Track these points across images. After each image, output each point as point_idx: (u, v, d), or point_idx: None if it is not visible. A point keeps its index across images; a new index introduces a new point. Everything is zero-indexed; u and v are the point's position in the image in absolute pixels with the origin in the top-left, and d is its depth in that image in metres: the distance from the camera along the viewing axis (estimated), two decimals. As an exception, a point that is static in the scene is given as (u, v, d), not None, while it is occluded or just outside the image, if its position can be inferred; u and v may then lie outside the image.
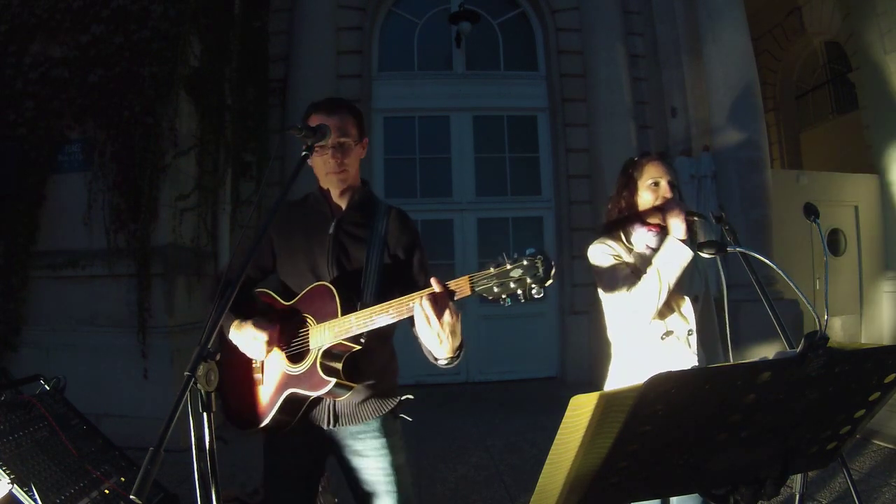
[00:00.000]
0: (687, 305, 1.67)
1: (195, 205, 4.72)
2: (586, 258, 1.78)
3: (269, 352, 1.42)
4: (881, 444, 3.54)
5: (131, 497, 0.86)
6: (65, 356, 4.13)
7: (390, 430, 1.52)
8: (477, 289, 1.16)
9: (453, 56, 6.41)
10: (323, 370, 1.35)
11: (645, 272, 1.62)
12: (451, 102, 6.30)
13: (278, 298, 1.51)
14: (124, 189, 4.29)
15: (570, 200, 6.11)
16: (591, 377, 5.45)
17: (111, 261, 4.28)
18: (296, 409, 1.44)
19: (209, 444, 1.03)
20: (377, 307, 1.32)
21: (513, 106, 6.42)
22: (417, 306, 1.22)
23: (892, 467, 3.21)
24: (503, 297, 1.13)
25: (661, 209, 1.68)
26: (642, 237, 1.71)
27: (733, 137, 5.53)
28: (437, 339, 1.23)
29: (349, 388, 1.39)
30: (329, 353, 1.37)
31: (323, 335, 1.37)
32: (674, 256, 1.58)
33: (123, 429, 2.91)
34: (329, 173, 1.49)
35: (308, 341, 1.40)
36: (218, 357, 1.04)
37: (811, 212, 1.47)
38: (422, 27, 6.43)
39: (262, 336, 1.39)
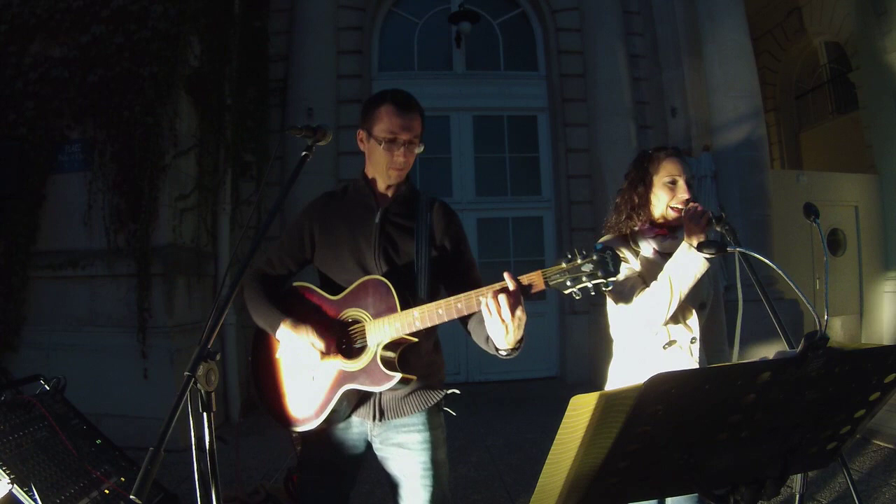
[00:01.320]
0: (693, 316, 1.61)
1: (195, 205, 4.72)
2: None
3: (321, 359, 1.39)
4: (881, 444, 3.54)
5: (131, 497, 0.86)
6: (65, 356, 4.12)
7: (434, 423, 1.51)
8: (551, 283, 1.20)
9: (453, 56, 6.41)
10: (385, 365, 1.35)
11: (653, 278, 1.55)
12: (452, 102, 6.30)
13: (323, 293, 1.48)
14: (124, 189, 4.29)
15: (570, 200, 6.11)
16: (591, 377, 5.46)
17: (111, 261, 4.28)
18: (348, 405, 1.44)
19: (209, 444, 1.03)
20: (443, 302, 1.30)
21: (513, 106, 6.42)
22: (491, 301, 1.21)
23: (892, 467, 3.21)
24: (575, 290, 1.18)
25: (685, 216, 1.57)
26: (650, 241, 1.65)
27: (733, 137, 5.52)
28: (506, 331, 1.23)
29: (408, 382, 1.38)
30: (387, 348, 1.37)
31: (382, 330, 1.36)
32: (689, 265, 1.50)
33: (123, 429, 2.92)
34: (392, 168, 1.49)
35: (364, 337, 1.39)
36: (218, 357, 1.05)
37: (811, 212, 1.46)
38: (422, 27, 6.43)
39: (320, 345, 1.37)
